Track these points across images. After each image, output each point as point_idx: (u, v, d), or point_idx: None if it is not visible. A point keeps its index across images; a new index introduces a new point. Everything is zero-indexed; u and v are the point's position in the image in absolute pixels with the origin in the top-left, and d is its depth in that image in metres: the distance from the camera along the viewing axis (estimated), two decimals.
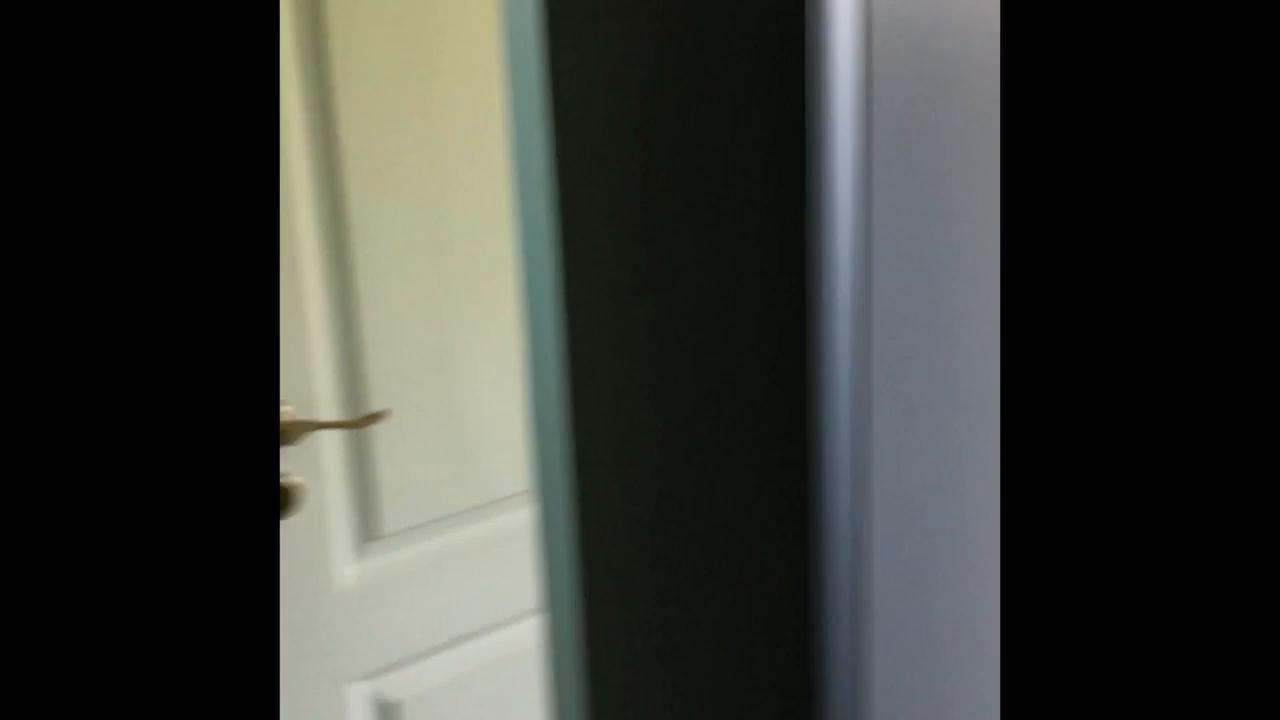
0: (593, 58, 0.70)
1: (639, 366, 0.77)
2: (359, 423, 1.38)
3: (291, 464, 1.35)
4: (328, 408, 1.37)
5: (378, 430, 1.41)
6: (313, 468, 1.37)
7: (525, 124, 0.74)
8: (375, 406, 1.40)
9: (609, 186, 0.73)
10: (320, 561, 1.39)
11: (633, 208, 0.74)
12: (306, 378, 1.34)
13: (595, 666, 0.82)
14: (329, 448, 1.38)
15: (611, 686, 0.82)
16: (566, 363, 0.77)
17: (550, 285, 0.76)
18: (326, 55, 1.31)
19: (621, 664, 0.82)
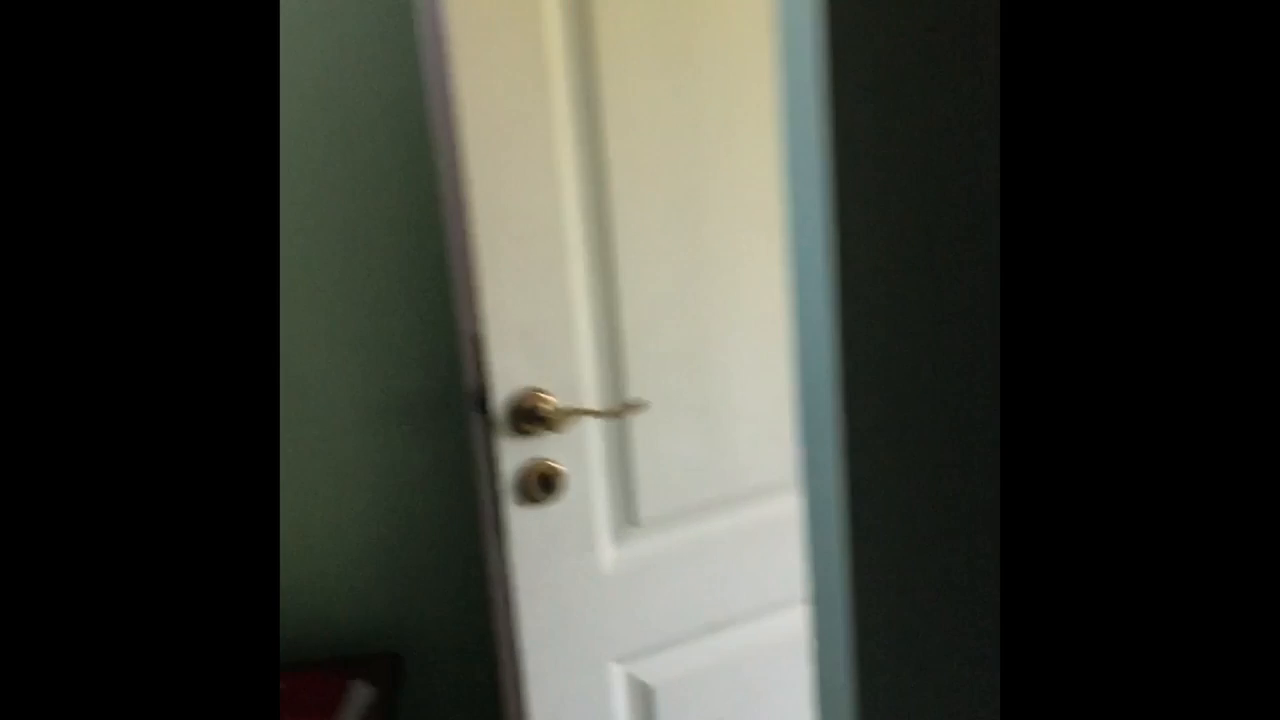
0: (872, 49, 0.69)
1: (912, 357, 0.76)
2: (618, 412, 1.42)
3: (558, 451, 1.40)
4: (590, 397, 1.41)
5: (636, 420, 1.45)
6: (578, 455, 1.42)
7: (801, 116, 0.74)
8: (634, 396, 1.44)
9: (885, 177, 0.71)
10: (587, 545, 1.45)
11: (909, 199, 0.72)
12: (572, 368, 1.39)
13: (864, 660, 0.81)
14: (593, 436, 1.43)
15: (880, 680, 0.81)
16: (838, 355, 0.76)
17: (824, 282, 0.76)
18: (593, 54, 1.35)
19: (890, 657, 0.80)
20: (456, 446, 1.78)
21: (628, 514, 1.48)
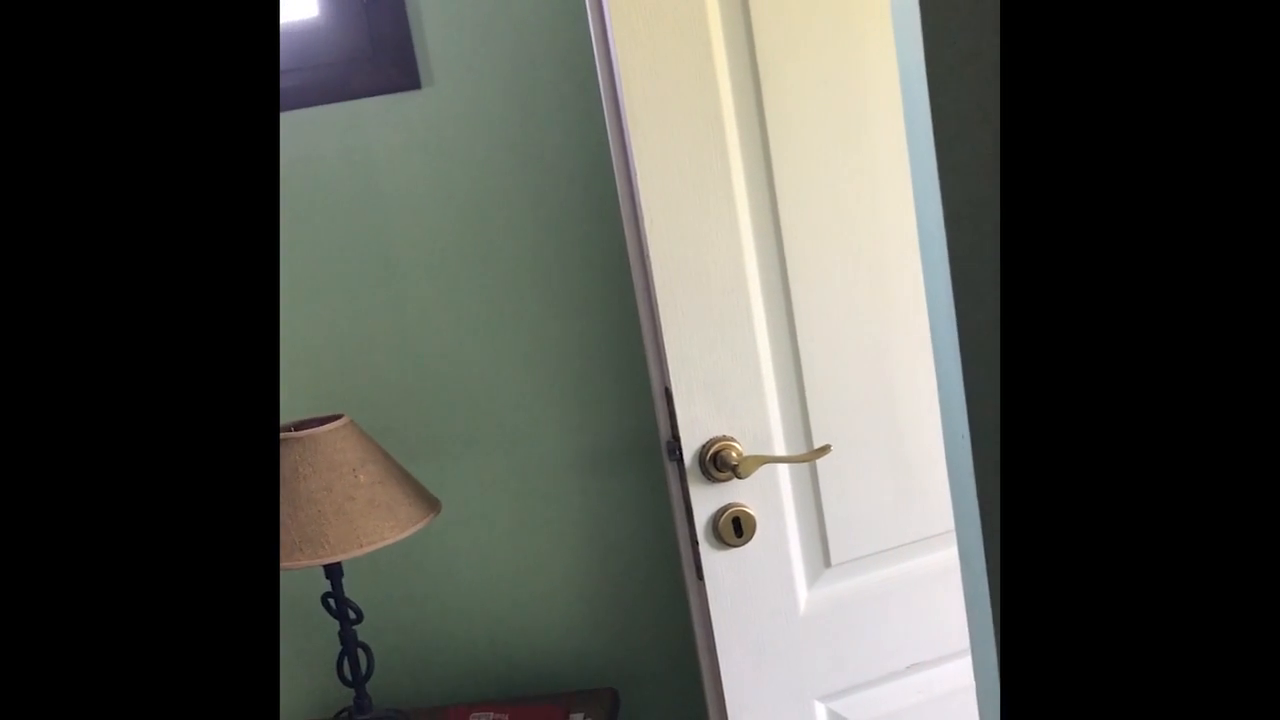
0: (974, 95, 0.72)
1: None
2: (804, 457, 1.46)
3: (748, 495, 1.47)
4: (777, 444, 1.47)
5: (824, 464, 1.49)
6: (769, 499, 1.47)
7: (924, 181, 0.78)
8: (819, 442, 1.48)
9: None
10: (780, 586, 1.50)
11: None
12: (757, 417, 1.45)
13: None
14: (782, 481, 1.49)
15: None
16: (971, 393, 0.79)
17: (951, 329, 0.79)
18: (760, 102, 1.42)
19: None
20: (660, 491, 1.88)
21: (820, 556, 1.52)
